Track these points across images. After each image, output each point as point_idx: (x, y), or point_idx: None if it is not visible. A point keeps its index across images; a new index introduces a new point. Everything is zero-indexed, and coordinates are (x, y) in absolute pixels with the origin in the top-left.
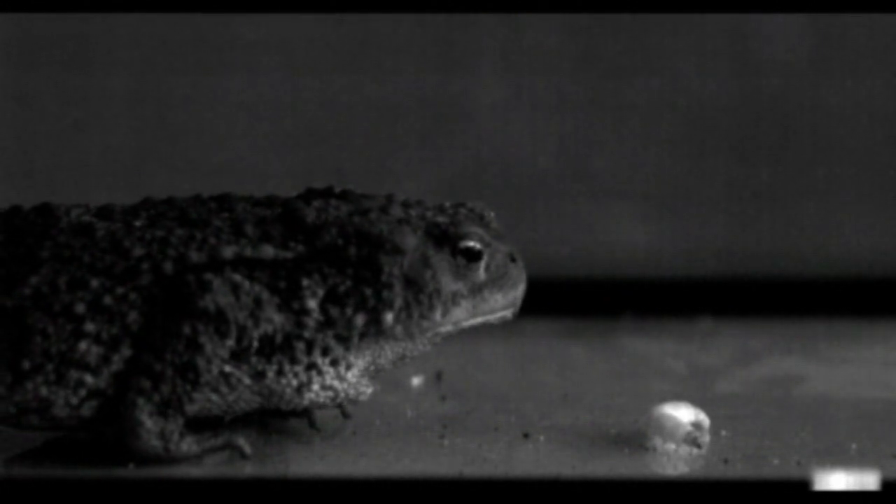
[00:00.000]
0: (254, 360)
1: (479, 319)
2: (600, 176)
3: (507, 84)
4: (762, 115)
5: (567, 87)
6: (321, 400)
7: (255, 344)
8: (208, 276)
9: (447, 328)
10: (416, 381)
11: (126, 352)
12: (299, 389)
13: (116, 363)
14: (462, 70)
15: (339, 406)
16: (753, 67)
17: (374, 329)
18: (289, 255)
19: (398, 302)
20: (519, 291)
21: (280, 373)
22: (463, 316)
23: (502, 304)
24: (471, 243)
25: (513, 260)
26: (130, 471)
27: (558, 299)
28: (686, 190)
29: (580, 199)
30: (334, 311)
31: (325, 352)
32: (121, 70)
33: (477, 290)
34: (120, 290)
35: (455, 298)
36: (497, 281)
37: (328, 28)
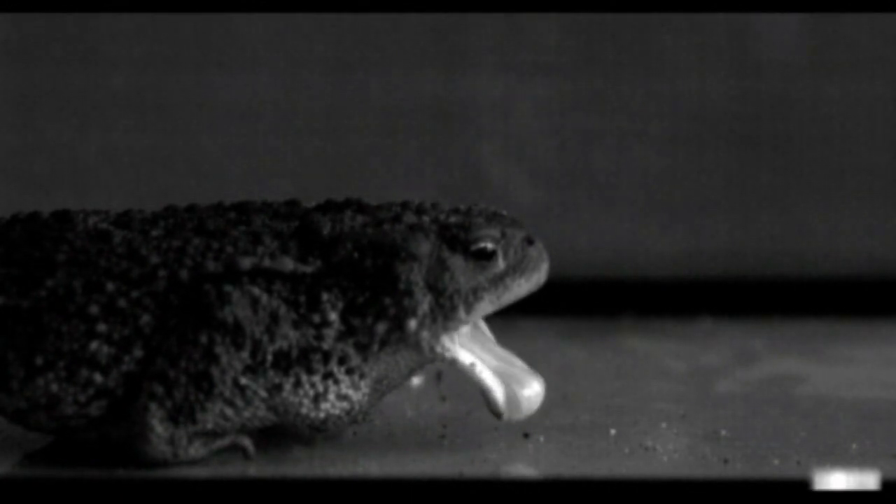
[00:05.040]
0: (271, 373)
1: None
2: (600, 176)
3: (507, 84)
4: (762, 115)
5: (567, 87)
6: (337, 411)
7: (270, 358)
8: (228, 287)
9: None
10: (416, 381)
11: (137, 353)
12: (316, 400)
13: (127, 364)
14: (462, 70)
15: (354, 422)
16: (753, 67)
17: (397, 336)
18: (308, 269)
19: (421, 308)
20: (542, 272)
21: (297, 384)
22: (488, 309)
23: (526, 288)
24: (482, 245)
25: (530, 242)
26: (133, 471)
27: (558, 299)
28: (686, 190)
29: (580, 199)
30: (355, 321)
31: (342, 361)
32: (121, 69)
33: (498, 279)
34: (134, 294)
35: (477, 293)
36: (517, 266)
37: (328, 28)
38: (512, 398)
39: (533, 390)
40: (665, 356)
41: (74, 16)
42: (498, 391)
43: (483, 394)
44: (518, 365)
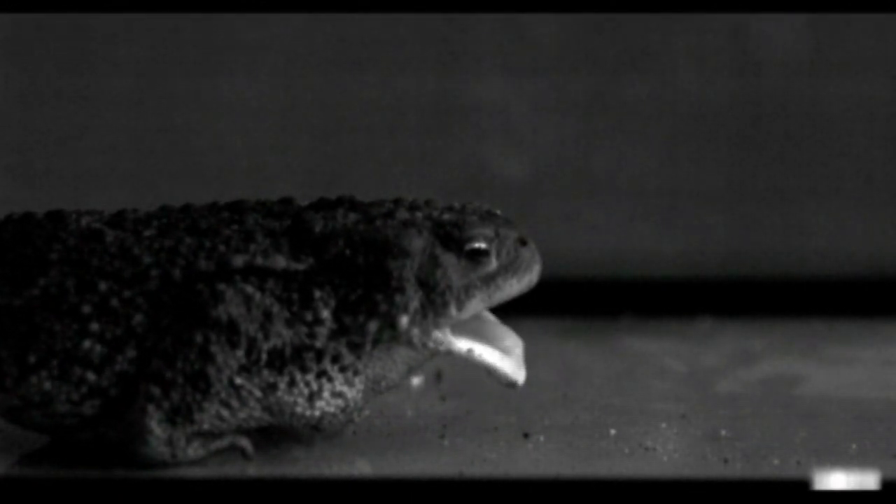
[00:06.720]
0: (265, 372)
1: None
2: (600, 176)
3: (507, 84)
4: (762, 115)
5: (567, 87)
6: (332, 409)
7: (264, 357)
8: (221, 286)
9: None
10: (416, 381)
11: (130, 353)
12: (311, 398)
13: (120, 363)
14: (462, 70)
15: (350, 420)
16: (753, 67)
17: (389, 334)
18: (300, 266)
19: (413, 305)
20: (534, 274)
21: (292, 383)
22: (479, 307)
23: (518, 288)
24: (476, 245)
25: (523, 243)
26: (132, 471)
27: (558, 299)
28: (686, 190)
29: (580, 199)
30: (347, 319)
31: (336, 359)
32: (121, 70)
33: (490, 278)
34: (127, 294)
35: (469, 290)
36: (510, 267)
37: (328, 28)
38: (518, 362)
39: (512, 341)
40: (665, 356)
41: (74, 16)
42: (504, 364)
43: (490, 374)
44: (487, 319)
